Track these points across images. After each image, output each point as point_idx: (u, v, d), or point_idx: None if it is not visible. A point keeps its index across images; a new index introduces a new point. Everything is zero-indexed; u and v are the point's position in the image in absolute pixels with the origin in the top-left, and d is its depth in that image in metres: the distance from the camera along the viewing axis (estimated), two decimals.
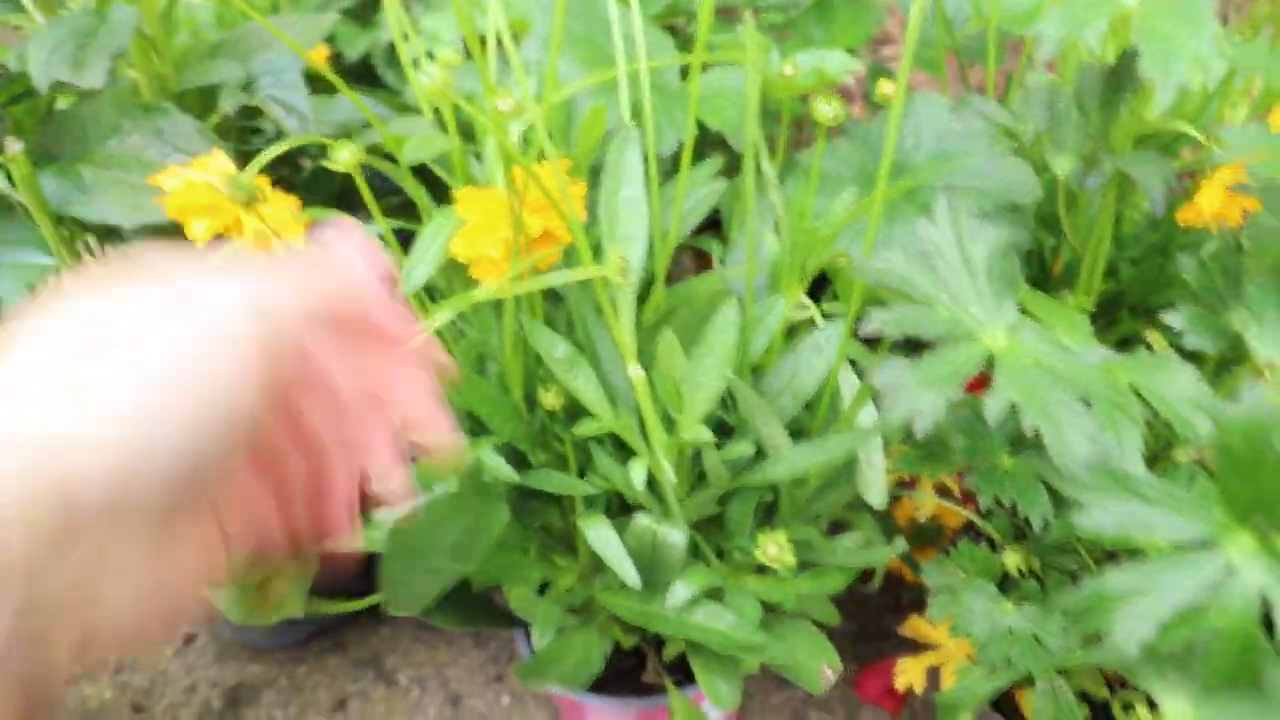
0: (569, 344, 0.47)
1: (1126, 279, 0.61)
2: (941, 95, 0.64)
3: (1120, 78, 0.45)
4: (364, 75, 0.92)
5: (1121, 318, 0.62)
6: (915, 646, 0.60)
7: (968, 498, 0.65)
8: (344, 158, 0.48)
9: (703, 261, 0.76)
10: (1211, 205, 0.50)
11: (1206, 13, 0.36)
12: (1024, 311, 0.44)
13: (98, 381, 0.22)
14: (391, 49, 0.96)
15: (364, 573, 0.84)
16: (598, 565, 0.55)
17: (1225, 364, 0.50)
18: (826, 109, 0.47)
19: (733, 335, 0.45)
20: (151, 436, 0.23)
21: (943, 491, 0.63)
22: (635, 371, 0.44)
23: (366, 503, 0.32)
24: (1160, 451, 0.48)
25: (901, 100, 0.64)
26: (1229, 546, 0.34)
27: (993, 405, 0.38)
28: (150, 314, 0.24)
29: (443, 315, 0.48)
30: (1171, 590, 0.33)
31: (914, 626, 0.59)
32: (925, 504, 0.60)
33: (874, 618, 0.80)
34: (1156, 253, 0.63)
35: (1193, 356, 0.45)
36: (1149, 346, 0.54)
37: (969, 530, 0.68)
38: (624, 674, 0.62)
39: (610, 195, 0.46)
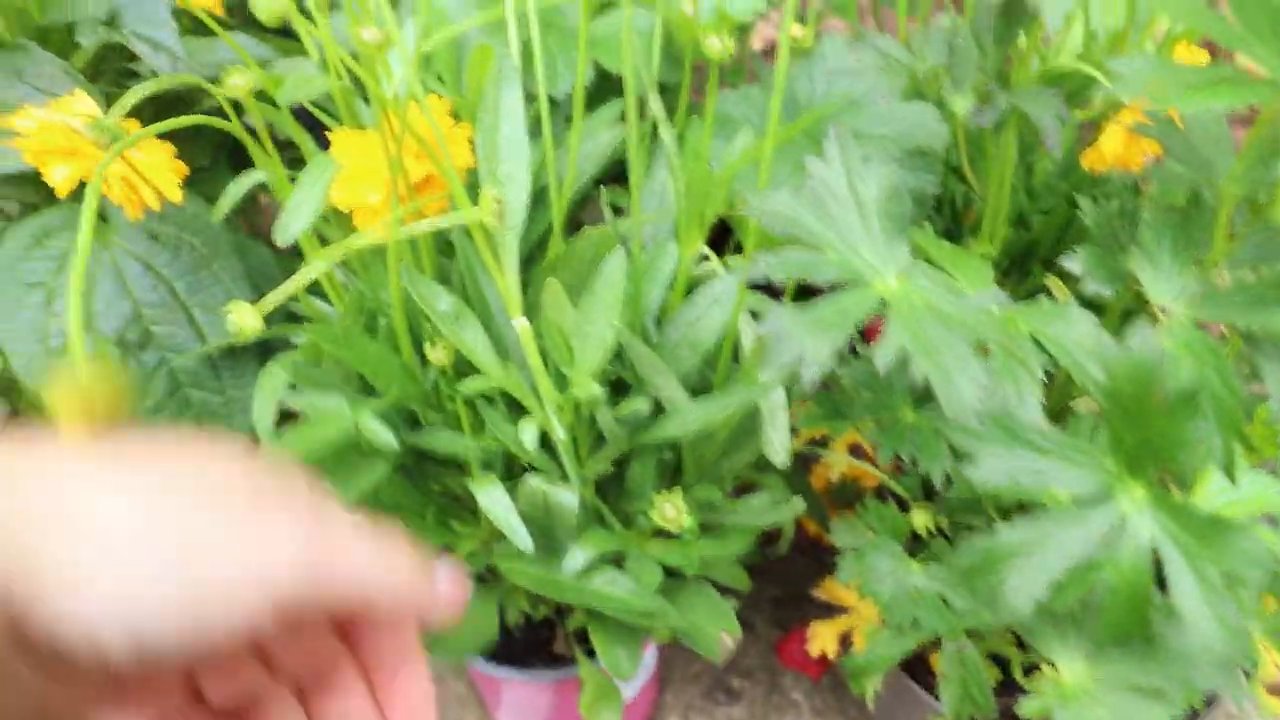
0: (454, 296, 0.44)
1: (1038, 230, 0.60)
2: (843, 36, 0.62)
3: (1013, 9, 0.44)
4: (253, 18, 0.87)
5: (1033, 270, 0.61)
6: (831, 610, 0.59)
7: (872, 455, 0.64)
8: (237, 83, 0.45)
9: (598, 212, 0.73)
10: (1114, 149, 0.49)
11: None
12: (927, 260, 0.42)
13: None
14: None
15: None
16: (499, 531, 0.53)
17: (1129, 314, 0.49)
18: (715, 43, 0.45)
19: (620, 284, 0.43)
20: None
21: (857, 452, 0.62)
22: (520, 323, 0.42)
23: None
24: (1064, 404, 0.46)
25: (810, 39, 0.62)
26: (1121, 498, 0.32)
27: (882, 352, 0.36)
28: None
29: (318, 266, 0.45)
30: (1064, 546, 0.32)
31: (828, 589, 0.58)
32: (837, 463, 0.59)
33: (797, 582, 0.79)
34: (1066, 202, 0.61)
35: (1095, 306, 0.44)
36: (1051, 296, 0.53)
37: (879, 495, 0.67)
38: (537, 646, 0.60)
39: (488, 134, 0.43)
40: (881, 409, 0.46)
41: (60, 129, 0.47)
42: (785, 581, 0.78)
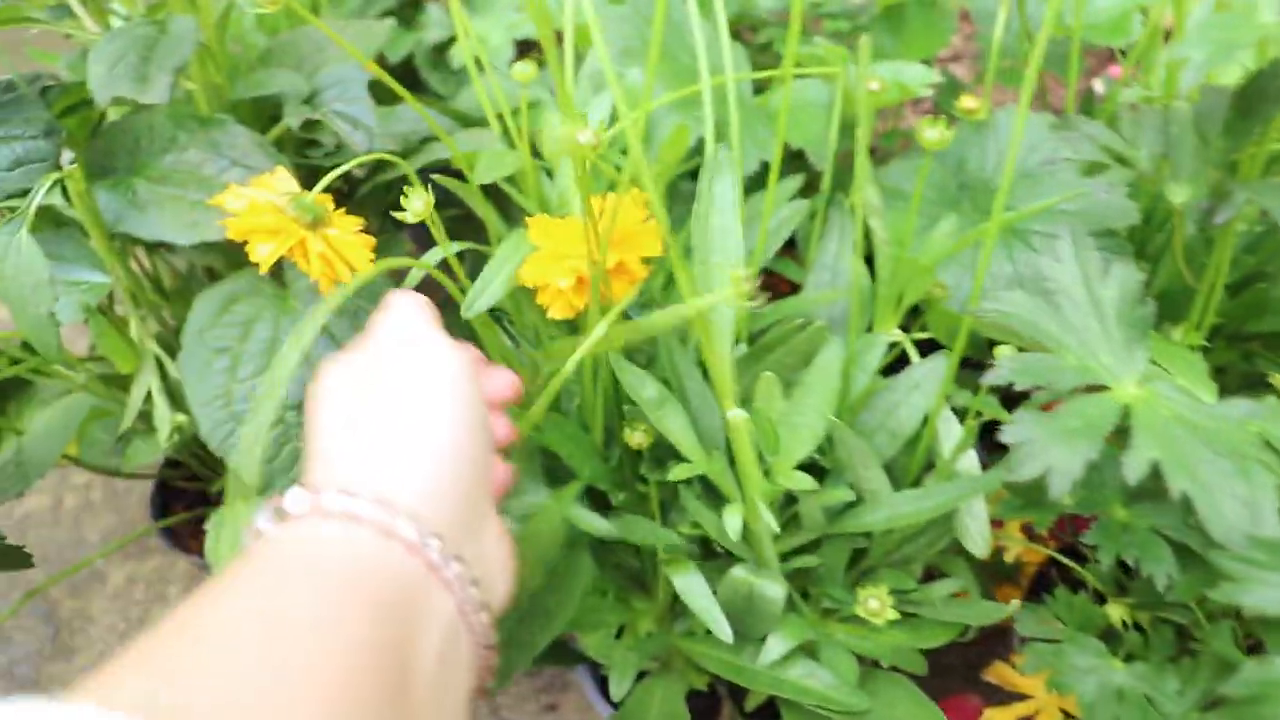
0: (658, 383, 0.45)
1: (1223, 307, 0.58)
2: (1034, 113, 0.61)
3: (1251, 102, 0.42)
4: (406, 79, 0.89)
5: (1217, 346, 0.59)
6: (989, 689, 0.58)
7: (1053, 535, 0.62)
8: (417, 208, 0.46)
9: (768, 282, 0.73)
10: None
11: None
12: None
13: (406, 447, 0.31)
14: (435, 51, 0.94)
15: None
16: (677, 609, 0.52)
17: None
18: (933, 133, 0.44)
19: (836, 376, 0.43)
20: (454, 472, 0.31)
21: (1028, 530, 0.60)
22: (736, 414, 0.41)
23: None
24: None
25: (985, 110, 0.61)
26: None
27: (1133, 464, 0.35)
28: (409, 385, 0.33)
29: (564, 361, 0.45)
30: None
31: (999, 673, 0.56)
32: (1013, 545, 0.58)
33: (947, 651, 0.77)
34: (1256, 278, 0.60)
35: None
36: (1262, 382, 0.52)
37: (1053, 566, 0.65)
38: (697, 715, 0.60)
39: (701, 221, 0.43)
40: (1091, 505, 0.45)
41: (266, 207, 0.48)
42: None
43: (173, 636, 0.23)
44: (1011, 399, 0.57)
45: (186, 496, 0.77)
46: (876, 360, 0.46)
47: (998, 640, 0.70)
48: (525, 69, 0.50)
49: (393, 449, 0.30)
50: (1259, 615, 0.32)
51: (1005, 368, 0.37)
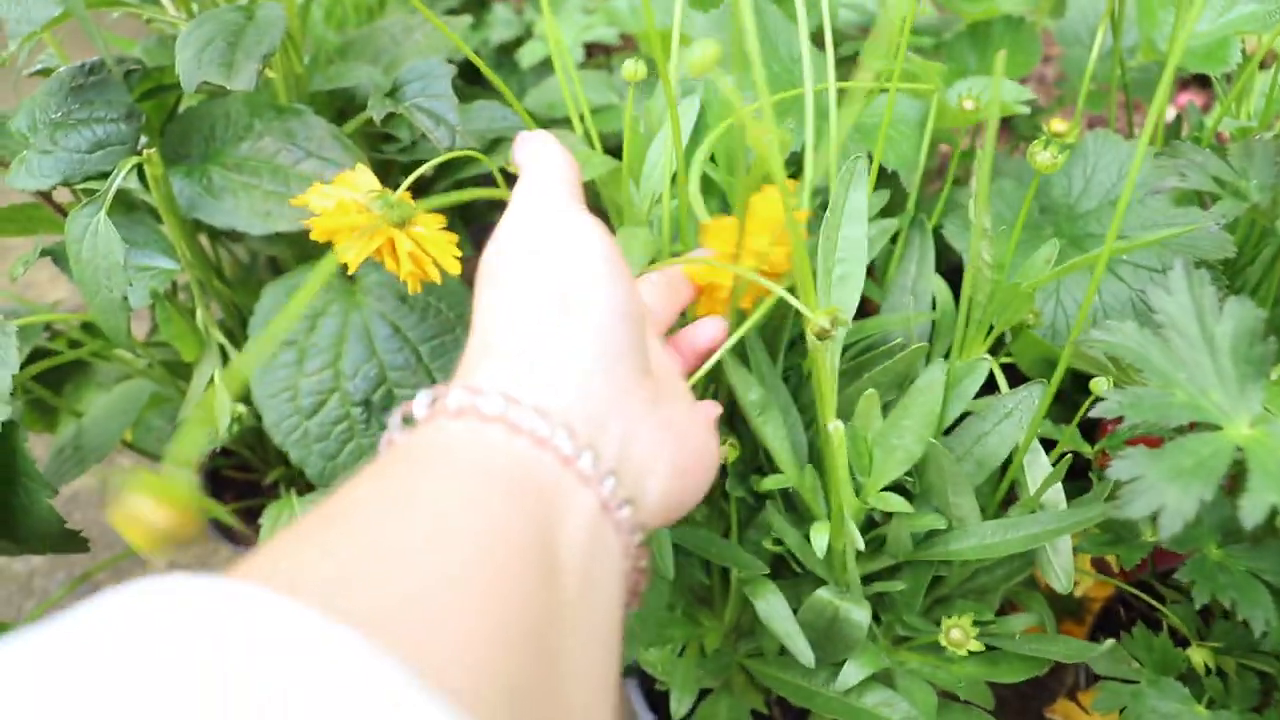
0: (762, 389, 0.43)
1: None
2: (1118, 136, 0.60)
3: None
4: (473, 81, 0.89)
5: None
6: None
7: (1124, 573, 0.61)
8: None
9: None
10: None
11: None
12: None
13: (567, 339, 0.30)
14: (499, 51, 0.93)
15: None
16: (743, 627, 0.51)
17: None
18: (1045, 155, 0.43)
19: (938, 398, 0.41)
20: (615, 353, 0.30)
21: (1097, 564, 0.59)
22: (835, 426, 0.40)
23: None
24: None
25: (1074, 134, 0.60)
26: None
27: (1249, 507, 0.34)
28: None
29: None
30: None
31: (1065, 710, 0.55)
32: (1084, 580, 0.56)
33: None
34: None
35: None
36: None
37: (1120, 603, 0.63)
38: None
39: (830, 232, 0.42)
40: (1184, 543, 0.44)
41: (354, 208, 0.48)
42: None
43: (333, 527, 0.22)
44: (1086, 433, 0.56)
45: (236, 486, 0.77)
46: (975, 386, 0.45)
47: (1052, 675, 0.69)
48: (633, 66, 0.49)
49: (549, 342, 0.29)
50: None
51: (1114, 401, 0.36)
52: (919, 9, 0.70)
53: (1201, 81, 1.09)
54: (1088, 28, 0.72)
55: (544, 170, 0.35)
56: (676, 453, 0.32)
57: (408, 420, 0.28)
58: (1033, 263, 0.46)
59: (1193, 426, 0.37)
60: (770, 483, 0.43)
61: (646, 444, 0.30)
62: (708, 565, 0.52)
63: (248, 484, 0.78)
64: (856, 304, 0.42)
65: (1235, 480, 0.36)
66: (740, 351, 0.45)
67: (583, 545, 0.26)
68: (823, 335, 0.37)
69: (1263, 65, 0.61)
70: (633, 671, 0.61)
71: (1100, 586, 0.62)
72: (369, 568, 0.21)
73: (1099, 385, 0.44)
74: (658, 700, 0.60)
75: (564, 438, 0.27)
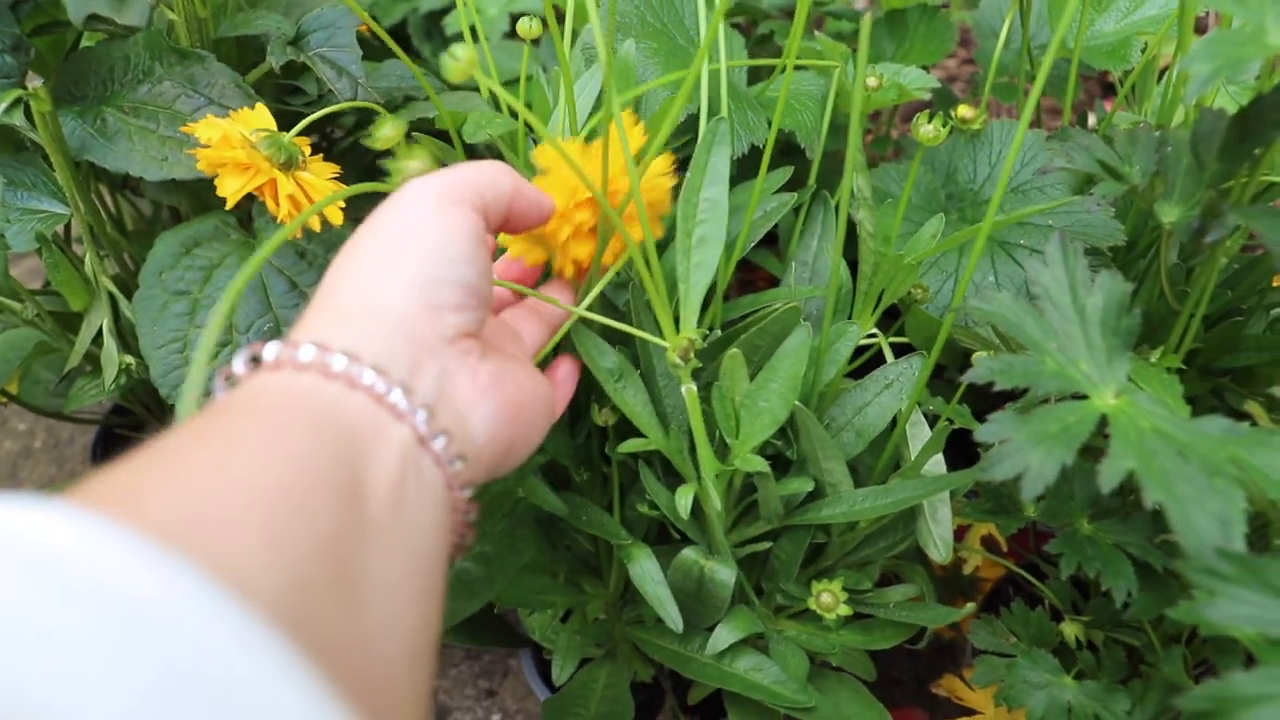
0: (619, 355, 0.43)
1: (1199, 338, 0.58)
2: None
3: (1250, 125, 0.42)
4: (398, 45, 0.88)
5: (1188, 376, 0.59)
6: (937, 704, 0.57)
7: (1012, 552, 0.62)
8: (386, 133, 0.44)
9: (748, 276, 0.72)
10: None
11: None
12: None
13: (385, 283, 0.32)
14: (428, 19, 0.92)
15: None
16: (628, 596, 0.51)
17: None
18: (928, 128, 0.44)
19: (804, 361, 0.42)
20: (434, 305, 0.32)
21: (987, 544, 0.60)
22: (689, 389, 0.40)
23: None
24: (1252, 532, 0.44)
25: (979, 121, 0.61)
26: None
27: (1108, 472, 0.34)
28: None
29: None
30: None
31: (949, 685, 0.56)
32: (973, 557, 0.57)
33: (886, 662, 0.77)
34: (1233, 313, 0.60)
35: None
36: (1233, 414, 0.51)
37: (1009, 584, 0.64)
38: (638, 708, 0.59)
39: (690, 194, 0.42)
40: (1056, 516, 0.45)
41: (240, 142, 0.47)
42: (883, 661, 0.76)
43: (138, 460, 0.24)
44: (980, 414, 0.57)
45: (131, 445, 0.75)
46: (848, 350, 0.45)
47: (947, 657, 0.70)
48: (530, 24, 0.49)
49: (368, 294, 0.31)
50: (1220, 631, 0.31)
51: (985, 367, 0.36)
52: None
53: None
54: (1002, 22, 0.73)
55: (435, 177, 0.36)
56: (505, 398, 0.34)
57: (230, 380, 0.29)
58: (918, 238, 0.46)
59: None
60: (631, 445, 0.42)
61: (469, 387, 0.33)
62: (595, 535, 0.51)
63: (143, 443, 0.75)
64: (716, 264, 0.42)
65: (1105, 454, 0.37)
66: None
67: (393, 472, 0.27)
68: (685, 357, 0.38)
69: (1162, 74, 0.62)
70: (526, 643, 0.61)
71: (991, 567, 0.62)
72: (162, 484, 0.22)
73: (979, 357, 0.44)
74: (549, 671, 0.59)
75: (374, 377, 0.29)
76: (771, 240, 0.66)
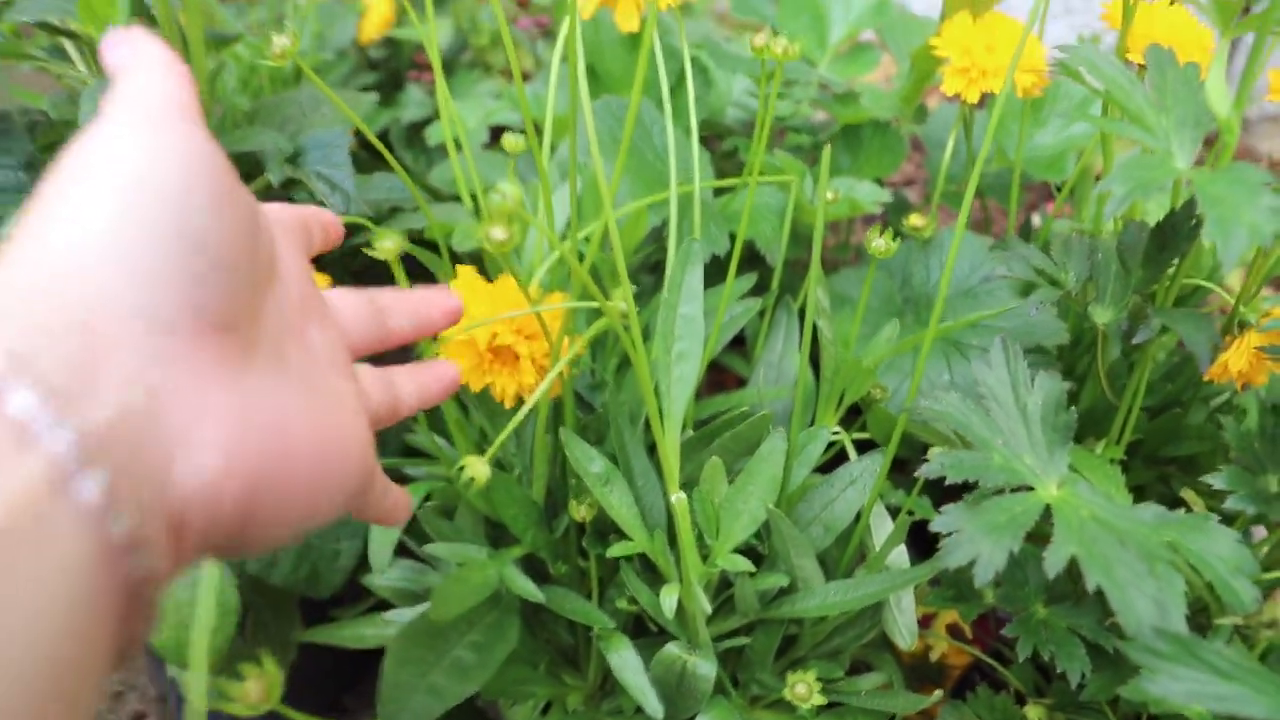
0: (605, 459, 0.46)
1: (1142, 429, 0.61)
2: (974, 234, 0.65)
3: (1166, 237, 0.46)
4: (380, 154, 0.92)
5: (1134, 466, 0.63)
6: None
7: (978, 639, 0.64)
8: (387, 246, 0.47)
9: (716, 376, 0.75)
10: (1239, 364, 0.51)
11: (1260, 182, 0.37)
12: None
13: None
14: (410, 129, 0.96)
15: (335, 686, 0.80)
16: (606, 688, 0.53)
17: (1253, 523, 0.50)
18: (879, 242, 0.48)
19: (779, 465, 0.44)
20: (152, 268, 0.23)
21: (953, 631, 0.62)
22: (679, 498, 0.43)
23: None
24: (1194, 613, 0.47)
25: (930, 229, 0.65)
26: None
27: (1052, 558, 0.37)
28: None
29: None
30: None
31: None
32: (938, 644, 0.59)
33: None
34: (1173, 404, 0.63)
35: (1227, 518, 0.45)
36: (1176, 501, 0.55)
37: (976, 671, 0.66)
38: None
39: (669, 310, 0.45)
40: (1013, 602, 0.47)
41: None
42: None
43: None
44: (939, 504, 0.60)
45: None
46: (817, 453, 0.48)
47: None
48: (516, 139, 0.53)
49: (30, 258, 0.22)
50: (1168, 708, 0.34)
51: (937, 462, 0.39)
52: (800, 110, 0.76)
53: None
54: (948, 134, 0.78)
55: (144, 79, 0.27)
56: (267, 434, 0.25)
57: None
58: (875, 342, 0.50)
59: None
60: (619, 549, 0.45)
61: (192, 407, 0.23)
62: (573, 626, 0.53)
63: None
64: (695, 379, 0.45)
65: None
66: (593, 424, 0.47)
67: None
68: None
69: (1098, 178, 0.67)
70: None
71: (959, 654, 0.64)
72: None
73: (934, 452, 0.47)
74: None
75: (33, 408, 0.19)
76: (739, 343, 0.69)
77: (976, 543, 0.37)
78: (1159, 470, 0.64)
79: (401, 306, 0.38)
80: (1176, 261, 0.46)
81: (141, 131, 0.25)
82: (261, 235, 0.27)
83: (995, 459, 0.40)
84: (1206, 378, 0.56)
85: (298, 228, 0.35)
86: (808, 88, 0.76)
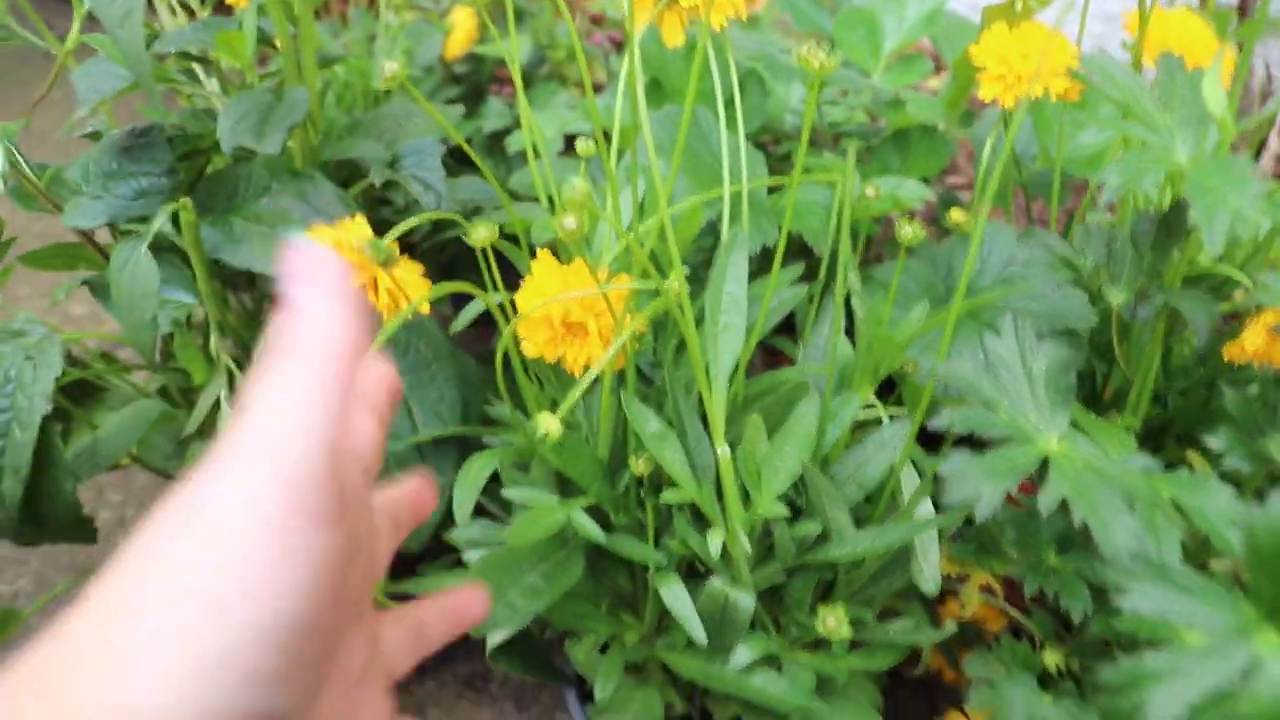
0: (661, 420, 0.52)
1: (1174, 409, 0.65)
2: (1009, 225, 0.70)
3: (1171, 224, 0.51)
4: (464, 161, 1.00)
5: (1168, 444, 0.67)
6: None
7: (1011, 600, 0.69)
8: (481, 235, 0.54)
9: (771, 358, 0.81)
10: (1255, 344, 0.55)
11: (1248, 173, 0.42)
12: (1075, 426, 0.49)
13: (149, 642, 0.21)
14: (491, 139, 1.05)
15: None
16: (661, 627, 0.59)
17: (1261, 491, 0.54)
18: (908, 230, 0.53)
19: (812, 424, 0.50)
20: (213, 686, 0.21)
21: (989, 592, 0.67)
22: (724, 450, 0.49)
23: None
24: (1196, 565, 0.51)
25: (981, 229, 0.70)
26: (1258, 640, 0.37)
27: (1045, 499, 0.42)
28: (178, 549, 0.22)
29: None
30: (1203, 674, 0.37)
31: (951, 718, 0.62)
32: (971, 600, 0.64)
33: (897, 702, 0.82)
34: (1203, 386, 0.67)
35: (1233, 481, 0.49)
36: (1191, 468, 0.59)
37: (1012, 634, 0.71)
38: None
39: (715, 289, 0.51)
40: (1026, 550, 0.52)
41: (348, 246, 0.57)
42: (903, 717, 0.81)
43: None
44: None
45: None
46: (849, 416, 0.54)
47: (953, 697, 0.76)
48: (587, 144, 0.60)
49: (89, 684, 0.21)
50: (1135, 620, 0.39)
51: (948, 417, 0.45)
52: (853, 116, 0.82)
53: None
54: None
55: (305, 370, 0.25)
56: None
57: None
58: (906, 321, 0.55)
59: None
60: (670, 495, 0.51)
61: None
62: (632, 573, 0.60)
63: None
64: (739, 349, 0.51)
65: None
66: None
67: None
68: None
69: None
70: (570, 680, 0.69)
71: (996, 618, 0.69)
72: None
73: (945, 410, 0.52)
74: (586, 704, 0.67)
75: None
76: (793, 329, 0.75)
77: (978, 483, 0.42)
78: (1199, 446, 0.68)
79: (438, 618, 0.36)
80: (1179, 247, 0.51)
81: (273, 542, 0.23)
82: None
83: (1001, 415, 0.46)
84: (1226, 358, 0.60)
85: (390, 527, 0.34)
86: (861, 95, 0.82)
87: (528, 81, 1.12)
